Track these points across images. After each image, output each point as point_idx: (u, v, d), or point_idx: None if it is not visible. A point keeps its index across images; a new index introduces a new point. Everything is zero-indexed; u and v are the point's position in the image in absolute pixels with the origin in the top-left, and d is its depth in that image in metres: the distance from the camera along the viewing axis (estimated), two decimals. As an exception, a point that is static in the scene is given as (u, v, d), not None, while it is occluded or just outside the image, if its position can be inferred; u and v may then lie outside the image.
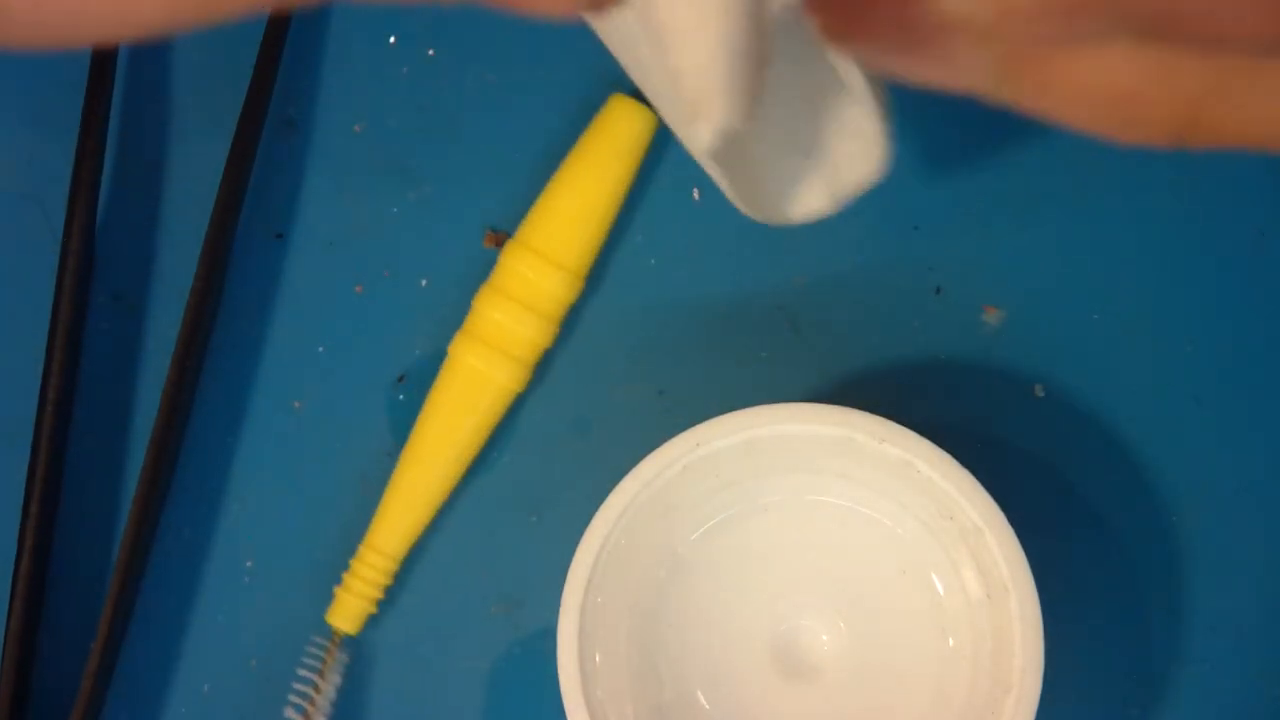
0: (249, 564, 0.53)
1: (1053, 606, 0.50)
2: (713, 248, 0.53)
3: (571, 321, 0.53)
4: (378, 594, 0.51)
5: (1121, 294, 0.52)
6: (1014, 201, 0.53)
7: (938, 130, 0.53)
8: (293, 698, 0.51)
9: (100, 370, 0.53)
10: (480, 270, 0.53)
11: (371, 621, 0.52)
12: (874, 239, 0.53)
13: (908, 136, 0.53)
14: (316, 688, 0.51)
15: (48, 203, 0.53)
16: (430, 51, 0.53)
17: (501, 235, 0.53)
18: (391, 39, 0.54)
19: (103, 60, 0.52)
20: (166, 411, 0.51)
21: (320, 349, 0.53)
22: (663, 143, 0.53)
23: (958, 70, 0.34)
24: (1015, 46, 0.33)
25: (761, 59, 0.34)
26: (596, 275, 0.53)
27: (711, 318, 0.53)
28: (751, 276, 0.53)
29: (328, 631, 0.52)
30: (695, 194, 0.53)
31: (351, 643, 0.52)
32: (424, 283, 0.53)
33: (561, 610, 0.48)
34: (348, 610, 0.51)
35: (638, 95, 0.52)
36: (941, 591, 0.50)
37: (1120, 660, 0.52)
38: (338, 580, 0.52)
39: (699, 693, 0.50)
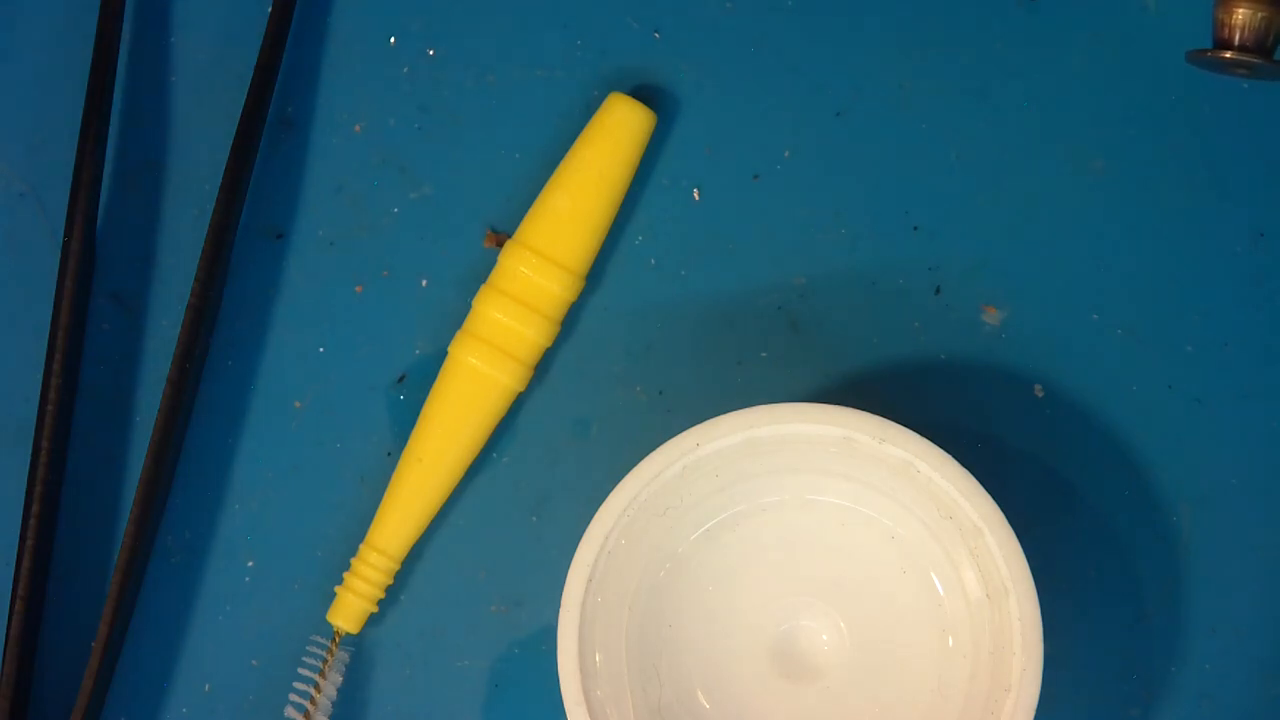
0: (249, 564, 0.53)
1: (1053, 606, 0.50)
2: (713, 248, 0.53)
3: (571, 321, 0.53)
4: (378, 593, 0.51)
5: (1121, 294, 0.52)
6: (1014, 201, 0.53)
7: (938, 131, 0.53)
8: (294, 697, 0.51)
9: (100, 370, 0.53)
10: (480, 270, 0.53)
11: (372, 621, 0.52)
12: (874, 239, 0.53)
13: (909, 137, 0.53)
14: (317, 687, 0.51)
15: (48, 203, 0.53)
16: (430, 51, 0.53)
17: (501, 235, 0.53)
18: (391, 39, 0.54)
19: (103, 60, 0.52)
20: (166, 411, 0.51)
21: (320, 349, 0.53)
22: (662, 142, 0.53)
23: None
24: None
25: None
26: (596, 275, 0.53)
27: (711, 318, 0.53)
28: (751, 276, 0.53)
29: (329, 631, 0.52)
30: (695, 194, 0.53)
31: (352, 642, 0.52)
32: (424, 283, 0.53)
33: (561, 609, 0.48)
34: (349, 609, 0.51)
35: (637, 95, 0.52)
36: (941, 591, 0.50)
37: (1120, 660, 0.52)
38: (338, 580, 0.52)
39: (699, 693, 0.50)
